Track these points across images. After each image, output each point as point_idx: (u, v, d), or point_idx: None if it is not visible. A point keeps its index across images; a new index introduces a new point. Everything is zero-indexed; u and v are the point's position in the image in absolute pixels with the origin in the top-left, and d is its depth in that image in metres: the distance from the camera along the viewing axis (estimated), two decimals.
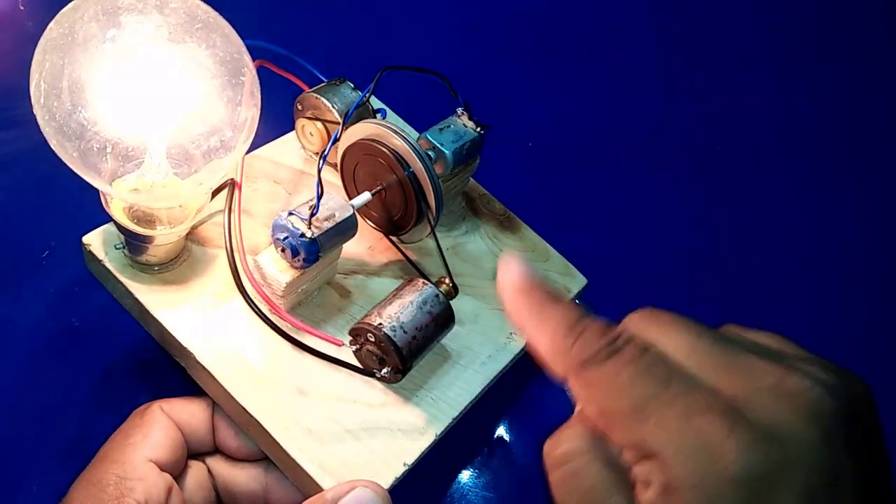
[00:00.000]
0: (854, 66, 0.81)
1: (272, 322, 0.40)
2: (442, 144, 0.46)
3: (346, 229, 0.41)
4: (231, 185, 0.43)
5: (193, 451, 0.41)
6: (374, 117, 0.49)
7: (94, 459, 0.39)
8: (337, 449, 0.39)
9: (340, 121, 0.46)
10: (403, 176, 0.43)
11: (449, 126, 0.48)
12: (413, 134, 0.46)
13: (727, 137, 0.72)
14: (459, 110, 0.48)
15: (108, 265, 0.41)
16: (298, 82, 0.49)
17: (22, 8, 0.53)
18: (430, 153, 0.46)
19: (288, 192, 0.49)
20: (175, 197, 0.40)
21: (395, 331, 0.39)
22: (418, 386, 0.43)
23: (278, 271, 0.40)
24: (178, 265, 0.42)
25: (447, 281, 0.43)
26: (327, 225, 0.40)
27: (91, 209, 0.41)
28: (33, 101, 0.33)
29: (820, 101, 0.78)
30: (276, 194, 0.48)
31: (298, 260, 0.40)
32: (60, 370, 0.48)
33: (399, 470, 0.39)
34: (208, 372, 0.39)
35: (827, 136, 0.75)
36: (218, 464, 0.41)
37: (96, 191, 0.38)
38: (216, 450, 0.42)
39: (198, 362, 0.39)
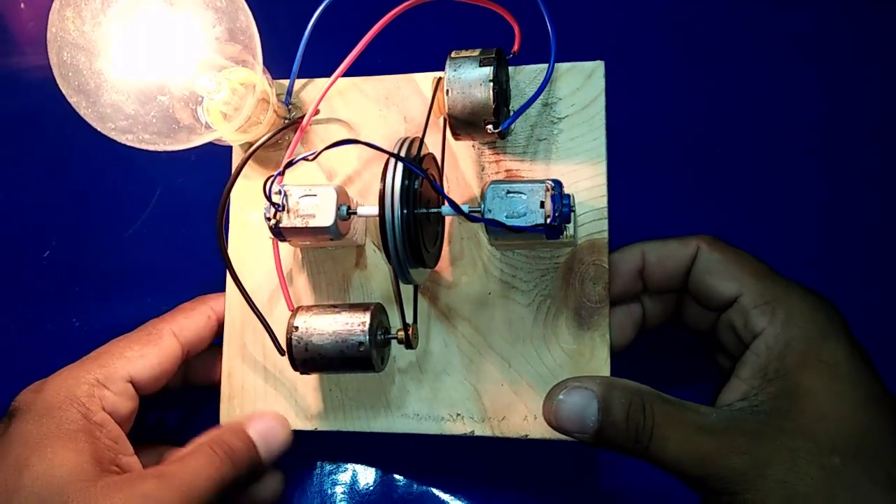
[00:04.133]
0: None
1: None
2: (490, 211, 0.37)
3: (318, 233, 0.40)
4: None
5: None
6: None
7: (87, 355, 0.42)
8: (247, 372, 0.46)
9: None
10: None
11: (522, 194, 0.37)
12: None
13: None
14: (550, 183, 0.37)
15: None
16: None
17: (22, 7, 0.48)
18: (472, 209, 0.38)
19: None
20: None
21: (299, 342, 0.40)
22: (342, 381, 0.44)
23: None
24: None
25: (411, 331, 0.40)
26: (297, 223, 0.40)
27: (91, 209, 0.42)
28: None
29: None
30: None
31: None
32: None
33: None
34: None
35: None
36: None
37: (96, 191, 0.38)
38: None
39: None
